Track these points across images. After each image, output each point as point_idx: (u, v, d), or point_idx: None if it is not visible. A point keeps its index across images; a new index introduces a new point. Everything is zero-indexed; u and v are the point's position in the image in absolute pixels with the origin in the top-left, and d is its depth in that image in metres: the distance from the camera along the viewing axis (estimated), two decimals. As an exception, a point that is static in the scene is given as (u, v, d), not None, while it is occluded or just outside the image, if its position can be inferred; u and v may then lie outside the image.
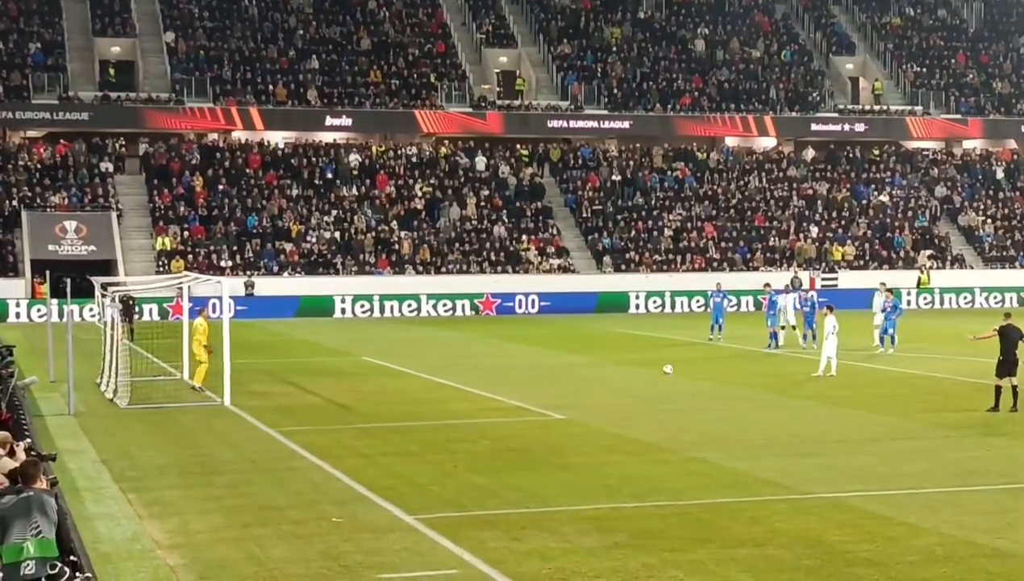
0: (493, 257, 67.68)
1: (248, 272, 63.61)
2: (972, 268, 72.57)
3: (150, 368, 36.20)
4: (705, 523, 17.48)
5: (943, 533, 16.74)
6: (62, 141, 69.22)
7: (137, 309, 52.26)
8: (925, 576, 14.79)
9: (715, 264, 69.17)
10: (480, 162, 73.13)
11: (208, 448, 24.42)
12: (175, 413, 28.99)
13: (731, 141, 78.27)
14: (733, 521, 17.57)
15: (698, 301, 63.76)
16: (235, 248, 65.48)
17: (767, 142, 78.71)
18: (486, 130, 74.30)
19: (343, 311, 62.89)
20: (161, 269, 61.82)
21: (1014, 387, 27.89)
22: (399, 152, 73.21)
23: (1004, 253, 74.10)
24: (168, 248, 64.08)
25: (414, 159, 72.94)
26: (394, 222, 68.71)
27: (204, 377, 31.90)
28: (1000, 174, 79.61)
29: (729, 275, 65.50)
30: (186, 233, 65.75)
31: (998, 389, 27.94)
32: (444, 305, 63.81)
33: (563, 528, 17.13)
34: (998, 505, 18.52)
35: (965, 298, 68.81)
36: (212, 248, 64.97)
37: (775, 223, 73.11)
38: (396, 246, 67.35)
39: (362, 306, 63.11)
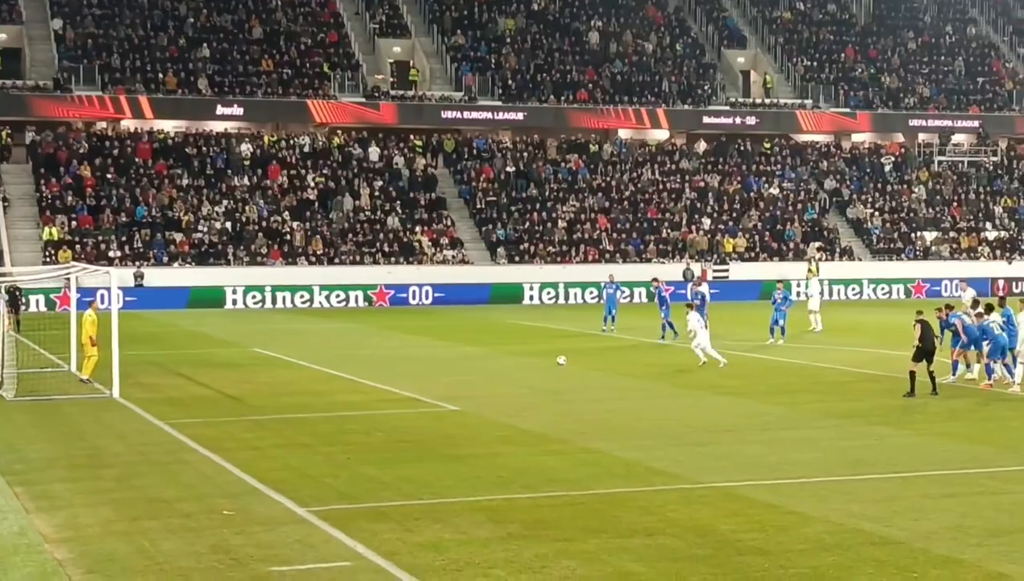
0: (387, 248, 67.46)
1: (137, 262, 62.83)
2: (860, 260, 73.68)
3: (37, 360, 35.65)
4: (598, 513, 17.55)
5: (832, 521, 16.96)
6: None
7: (24, 300, 51.41)
8: (814, 564, 14.97)
9: (608, 256, 69.55)
10: (373, 153, 72.85)
11: (96, 441, 24.08)
12: (63, 405, 28.57)
13: (624, 133, 78.72)
14: (625, 511, 17.67)
15: (591, 292, 64.18)
16: (124, 238, 64.56)
17: (660, 134, 79.27)
18: (380, 121, 74.05)
19: (234, 302, 62.38)
20: (48, 259, 60.80)
21: (931, 373, 29.18)
22: (292, 142, 72.70)
23: (892, 245, 75.29)
24: (55, 238, 63.06)
25: (307, 149, 72.49)
26: (286, 213, 68.22)
27: (93, 369, 31.47)
28: (888, 167, 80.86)
29: (622, 267, 65.91)
30: (74, 223, 64.74)
31: (913, 375, 29.01)
32: (337, 296, 63.51)
33: (457, 519, 17.12)
34: (886, 493, 18.80)
35: (853, 290, 69.87)
36: (100, 238, 64.04)
37: (668, 215, 73.64)
38: (288, 237, 66.87)
39: (254, 297, 62.63)
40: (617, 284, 49.45)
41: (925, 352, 29.14)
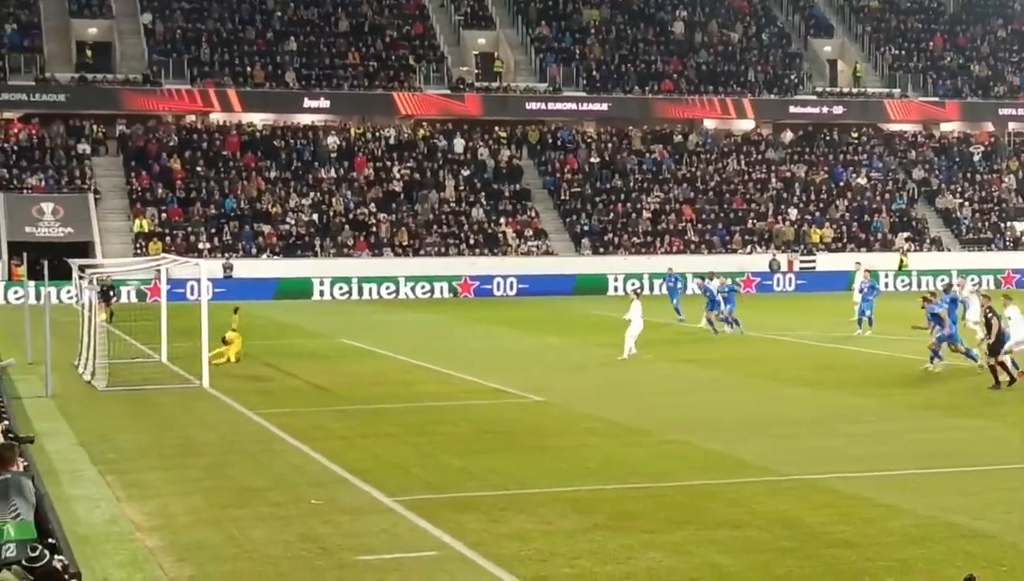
0: (471, 240, 67.64)
1: (226, 254, 63.47)
2: (949, 250, 72.81)
3: (128, 350, 36.12)
4: (683, 505, 17.51)
5: (920, 514, 16.80)
6: (38, 122, 68.93)
7: (114, 291, 52.11)
8: (902, 557, 14.84)
9: (693, 246, 69.26)
10: (458, 144, 73.05)
11: (187, 430, 24.39)
12: (153, 395, 28.95)
13: (709, 123, 78.30)
14: (710, 502, 17.62)
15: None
16: (213, 230, 65.30)
17: (745, 124, 78.76)
18: (464, 112, 74.23)
19: (321, 294, 62.83)
20: (139, 251, 61.61)
21: (1003, 364, 28.81)
22: (377, 134, 73.06)
23: (981, 235, 74.33)
24: (145, 230, 63.88)
25: (392, 141, 72.82)
26: (372, 205, 68.60)
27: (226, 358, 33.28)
28: (977, 157, 79.80)
29: (708, 258, 65.61)
30: (164, 215, 65.54)
31: (994, 368, 28.77)
32: (422, 287, 63.77)
33: (542, 510, 17.14)
34: (975, 486, 18.60)
35: (943, 281, 68.97)
36: (190, 230, 64.79)
37: (753, 205, 73.19)
38: (374, 229, 67.24)
39: (340, 288, 63.05)
40: (677, 276, 49.88)
41: (999, 343, 28.78)
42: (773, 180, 75.11)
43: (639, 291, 38.35)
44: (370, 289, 63.27)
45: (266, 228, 66.00)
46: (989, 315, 29.34)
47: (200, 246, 63.60)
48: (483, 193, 70.70)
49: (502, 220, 69.07)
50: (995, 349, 28.81)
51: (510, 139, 74.34)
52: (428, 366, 34.25)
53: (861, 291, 42.80)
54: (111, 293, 47.99)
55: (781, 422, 24.75)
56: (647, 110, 76.75)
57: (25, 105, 69.13)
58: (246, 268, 63.08)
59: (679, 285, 50.05)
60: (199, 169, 68.59)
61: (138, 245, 62.87)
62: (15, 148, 67.52)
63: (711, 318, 43.15)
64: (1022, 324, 29.75)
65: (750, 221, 71.94)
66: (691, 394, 28.91)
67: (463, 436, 23.40)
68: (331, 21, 77.04)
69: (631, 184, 73.15)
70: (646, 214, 71.05)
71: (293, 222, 66.80)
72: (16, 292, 56.15)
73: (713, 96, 77.19)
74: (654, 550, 15.15)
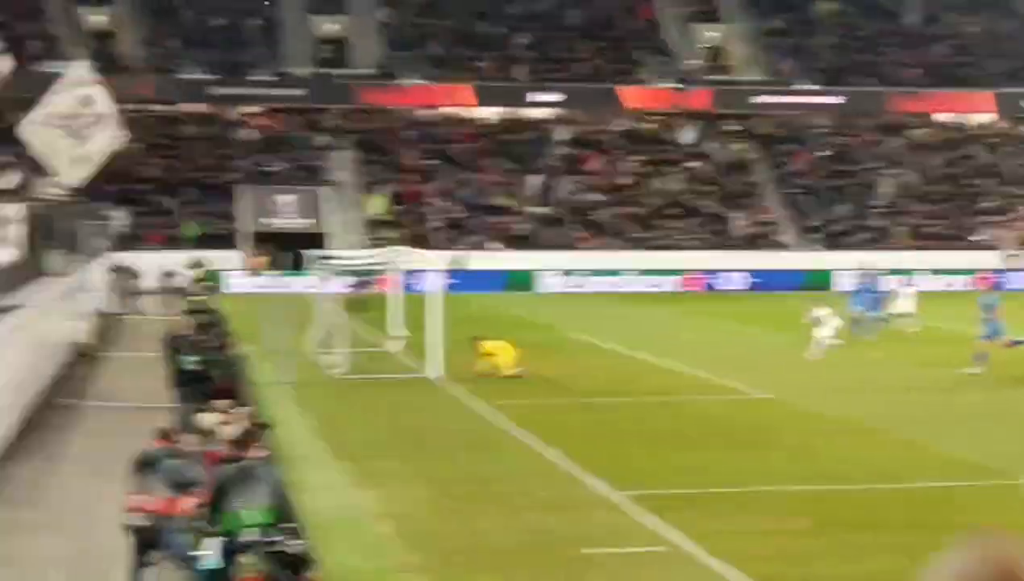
0: (701, 232, 67.24)
1: (458, 246, 64.32)
2: None
3: (363, 340, 36.86)
4: (919, 507, 17.14)
5: None
6: (278, 116, 70.97)
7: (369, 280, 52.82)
8: None
9: (926, 241, 67.59)
10: (687, 137, 72.64)
11: (419, 420, 24.80)
12: (387, 384, 29.51)
13: (946, 117, 76.19)
14: (948, 505, 17.20)
15: (904, 280, 62.39)
16: (444, 223, 66.25)
17: (984, 118, 76.42)
18: (693, 106, 73.78)
19: (548, 285, 63.16)
20: (373, 243, 62.77)
21: None
22: (606, 127, 73.17)
23: None
24: (379, 221, 65.13)
25: (621, 134, 72.84)
26: (601, 196, 68.75)
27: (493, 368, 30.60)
28: None
29: (942, 254, 64.04)
30: (397, 208, 66.73)
31: None
32: (651, 281, 63.58)
33: (773, 508, 16.98)
34: None
35: None
36: (425, 222, 65.85)
37: (991, 200, 71.01)
38: (603, 221, 67.36)
39: (568, 281, 63.30)
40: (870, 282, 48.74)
41: None
42: (1009, 175, 72.75)
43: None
44: (598, 281, 63.36)
45: (495, 220, 66.70)
46: None
47: (431, 239, 64.57)
48: (712, 186, 70.19)
49: (731, 213, 68.47)
50: None
51: (739, 132, 73.63)
52: (654, 360, 34.17)
53: None
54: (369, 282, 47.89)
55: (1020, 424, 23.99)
56: (881, 103, 75.10)
57: (266, 100, 71.26)
58: (476, 260, 63.78)
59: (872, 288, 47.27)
60: (432, 163, 69.69)
61: (372, 237, 64.13)
62: (255, 142, 69.59)
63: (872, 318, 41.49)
64: None
65: (988, 216, 69.82)
66: (922, 393, 28.23)
67: (689, 432, 23.32)
68: (562, 15, 77.43)
69: (863, 178, 71.72)
70: (878, 209, 69.59)
71: (523, 214, 67.35)
72: (257, 281, 57.89)
73: (950, 89, 75.10)
74: (889, 552, 14.87)
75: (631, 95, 72.92)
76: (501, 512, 16.92)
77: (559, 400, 27.17)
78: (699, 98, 73.69)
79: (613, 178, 70.08)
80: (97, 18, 73.08)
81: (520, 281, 62.63)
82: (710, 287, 63.48)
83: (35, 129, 29.18)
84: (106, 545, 14.96)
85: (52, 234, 43.93)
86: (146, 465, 13.47)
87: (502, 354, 30.68)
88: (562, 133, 72.00)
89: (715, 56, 77.37)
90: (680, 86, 73.62)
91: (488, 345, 30.96)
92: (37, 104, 29.72)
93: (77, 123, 29.55)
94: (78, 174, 33.11)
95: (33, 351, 27.51)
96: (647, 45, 75.87)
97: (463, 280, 60.10)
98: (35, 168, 38.45)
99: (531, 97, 72.91)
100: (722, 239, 66.96)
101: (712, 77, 75.28)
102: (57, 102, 29.07)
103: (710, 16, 79.20)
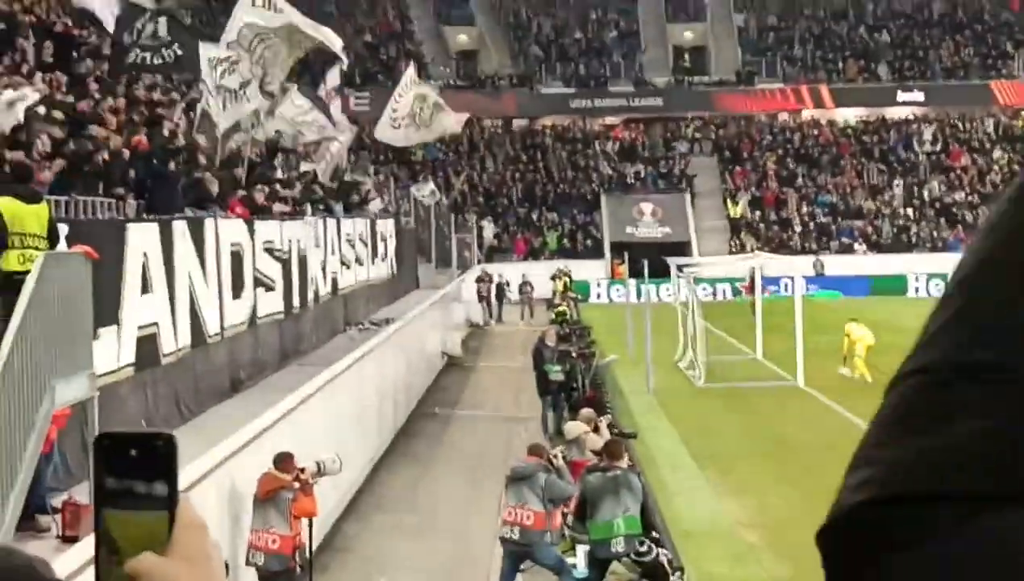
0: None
1: (819, 250, 63.38)
2: None
3: (725, 347, 36.78)
4: None
5: None
6: (637, 126, 71.59)
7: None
8: None
9: None
10: (1063, 132, 69.56)
11: (784, 428, 24.57)
12: (750, 392, 29.35)
13: None
14: None
15: None
16: (806, 227, 65.42)
17: None
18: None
19: (916, 290, 61.37)
20: (734, 249, 62.57)
21: None
22: (974, 125, 70.69)
23: None
24: (739, 225, 64.86)
25: (991, 132, 70.23)
26: (971, 197, 66.46)
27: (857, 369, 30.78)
28: None
29: None
30: (756, 213, 66.31)
31: None
32: None
33: None
34: None
35: None
36: (785, 224, 65.22)
37: None
38: (968, 220, 65.12)
39: (938, 285, 61.39)
40: None
41: None
42: None
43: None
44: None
45: (859, 223, 65.39)
46: None
47: (791, 244, 63.85)
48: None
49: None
50: None
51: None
52: None
53: None
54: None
55: None
56: None
57: (625, 110, 71.98)
58: (838, 264, 62.65)
59: None
60: (791, 166, 68.91)
61: (732, 243, 63.93)
62: (616, 152, 70.37)
63: None
64: None
65: None
66: None
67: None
68: (924, 11, 75.27)
69: None
70: None
71: (887, 217, 65.81)
72: (618, 290, 58.45)
73: None
74: None
75: (1002, 90, 70.17)
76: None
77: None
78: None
79: (985, 176, 67.61)
80: (462, 37, 75.44)
81: (887, 286, 61.07)
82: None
83: (384, 130, 33.11)
84: (481, 551, 15.48)
85: (425, 248, 45.65)
86: (520, 480, 13.85)
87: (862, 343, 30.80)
88: (928, 132, 69.96)
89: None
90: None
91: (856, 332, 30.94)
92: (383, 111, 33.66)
93: (419, 117, 32.96)
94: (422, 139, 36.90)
95: (409, 362, 28.64)
96: (1016, 37, 72.87)
97: (824, 285, 59.26)
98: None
99: (893, 97, 71.14)
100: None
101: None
102: (398, 105, 32.74)
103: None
